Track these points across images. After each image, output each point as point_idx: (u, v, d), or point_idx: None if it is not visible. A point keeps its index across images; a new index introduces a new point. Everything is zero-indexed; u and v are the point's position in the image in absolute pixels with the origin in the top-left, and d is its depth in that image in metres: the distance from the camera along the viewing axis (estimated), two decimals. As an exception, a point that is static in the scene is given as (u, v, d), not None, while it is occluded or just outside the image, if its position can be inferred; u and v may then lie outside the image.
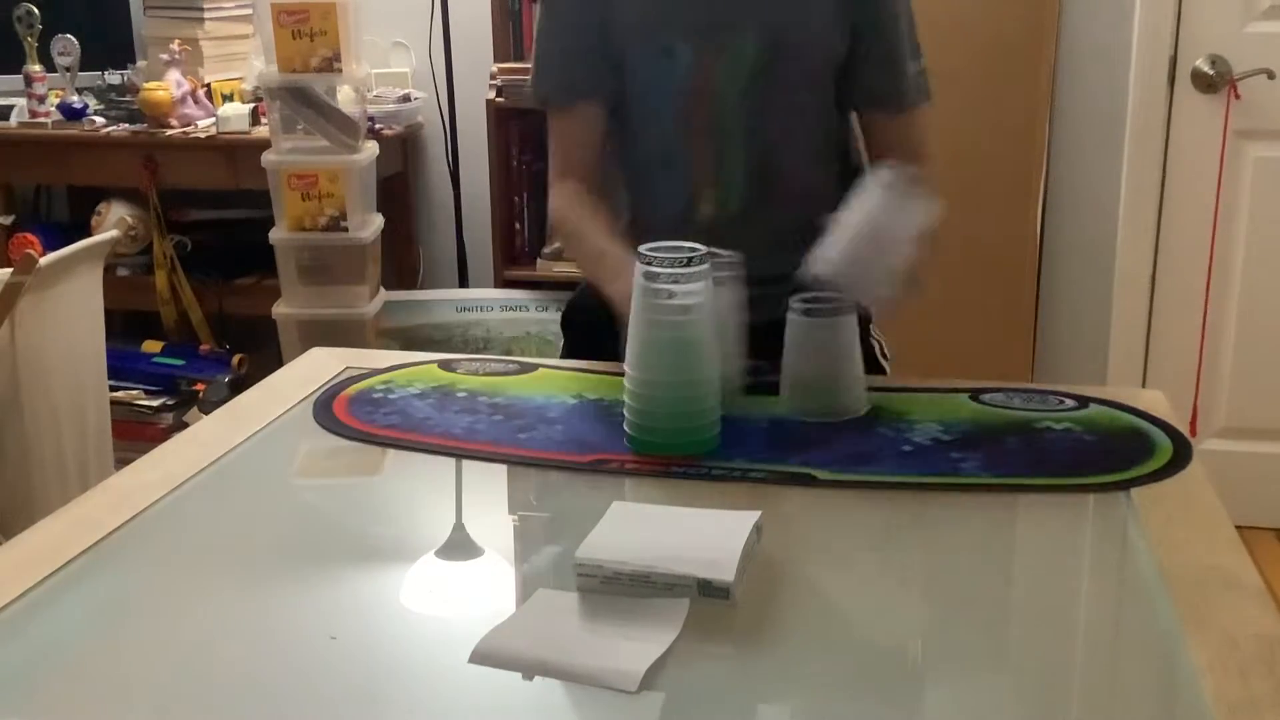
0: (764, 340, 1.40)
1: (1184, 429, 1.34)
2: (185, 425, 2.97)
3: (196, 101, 3.21)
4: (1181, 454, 1.28)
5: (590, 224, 1.57)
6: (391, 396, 1.46)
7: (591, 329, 1.59)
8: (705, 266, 1.25)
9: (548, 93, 1.63)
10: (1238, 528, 1.13)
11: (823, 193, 1.59)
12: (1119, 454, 1.28)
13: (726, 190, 1.59)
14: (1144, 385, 3.06)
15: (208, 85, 3.27)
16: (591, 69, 1.58)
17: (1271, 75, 2.86)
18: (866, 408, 1.39)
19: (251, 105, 3.20)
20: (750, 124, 1.57)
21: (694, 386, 1.27)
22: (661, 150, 1.60)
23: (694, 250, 1.24)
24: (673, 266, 1.23)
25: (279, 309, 3.08)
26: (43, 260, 2.09)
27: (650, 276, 1.24)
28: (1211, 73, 2.90)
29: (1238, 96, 2.89)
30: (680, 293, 1.23)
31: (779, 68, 1.54)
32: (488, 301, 3.15)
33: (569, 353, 1.76)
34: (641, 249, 1.26)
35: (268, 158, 2.96)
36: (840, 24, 1.55)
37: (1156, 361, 3.10)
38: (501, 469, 1.29)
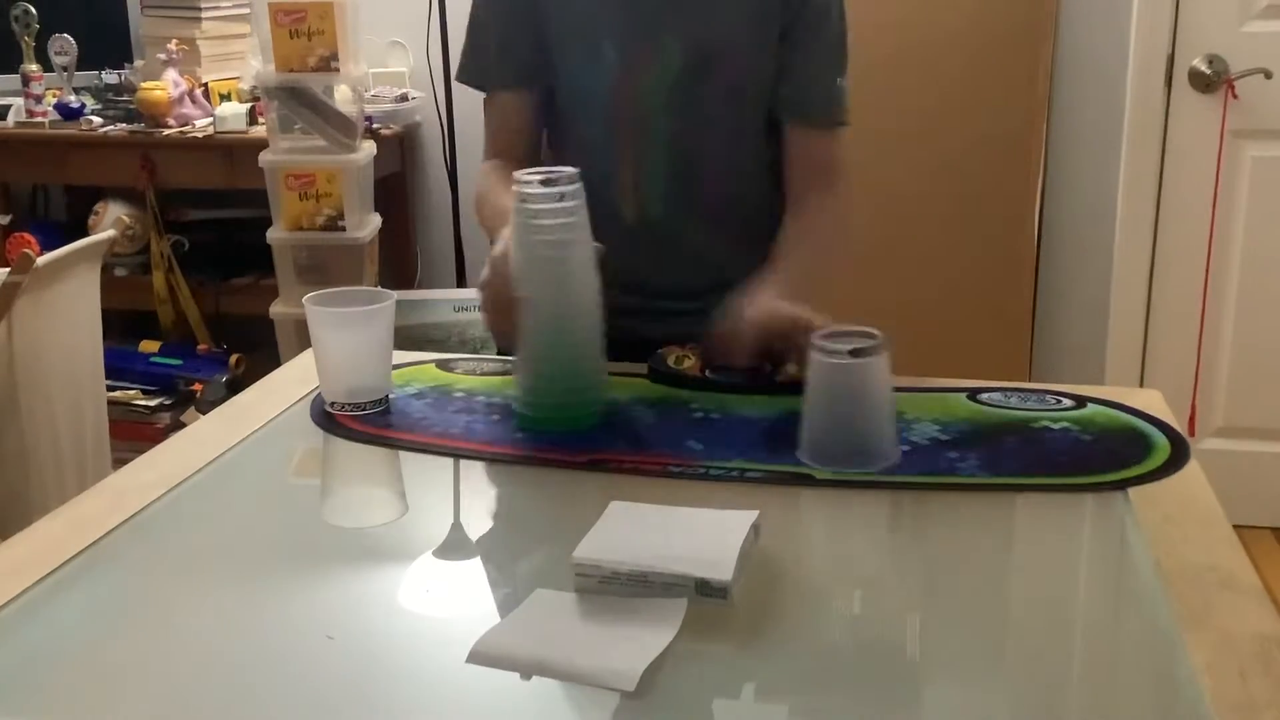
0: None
1: (1182, 428, 1.35)
2: (183, 425, 2.97)
3: (194, 101, 3.21)
4: (1179, 453, 1.28)
5: (498, 186, 1.54)
6: (389, 396, 1.46)
7: None
8: (577, 186, 1.29)
9: (478, 76, 1.64)
10: (1235, 527, 1.13)
11: (749, 213, 1.63)
12: (1117, 454, 1.28)
13: (648, 196, 1.59)
14: (1142, 385, 3.06)
15: (205, 85, 3.27)
16: (523, 59, 1.59)
17: (1268, 75, 2.87)
18: (898, 458, 1.26)
19: (249, 105, 3.20)
20: (673, 133, 1.57)
21: (574, 319, 1.31)
22: (588, 150, 1.59)
23: (564, 173, 1.29)
24: (544, 188, 1.27)
25: (276, 309, 3.07)
26: (40, 260, 2.09)
27: (524, 199, 1.28)
28: (1208, 72, 2.90)
29: (1235, 96, 2.89)
30: (553, 212, 1.28)
31: (704, 79, 1.55)
32: (485, 301, 3.14)
33: None
34: (516, 173, 1.30)
35: (265, 157, 2.96)
36: (768, 42, 1.55)
37: (1154, 361, 3.10)
38: (499, 469, 1.29)
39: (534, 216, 1.28)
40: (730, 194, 1.62)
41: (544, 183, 1.28)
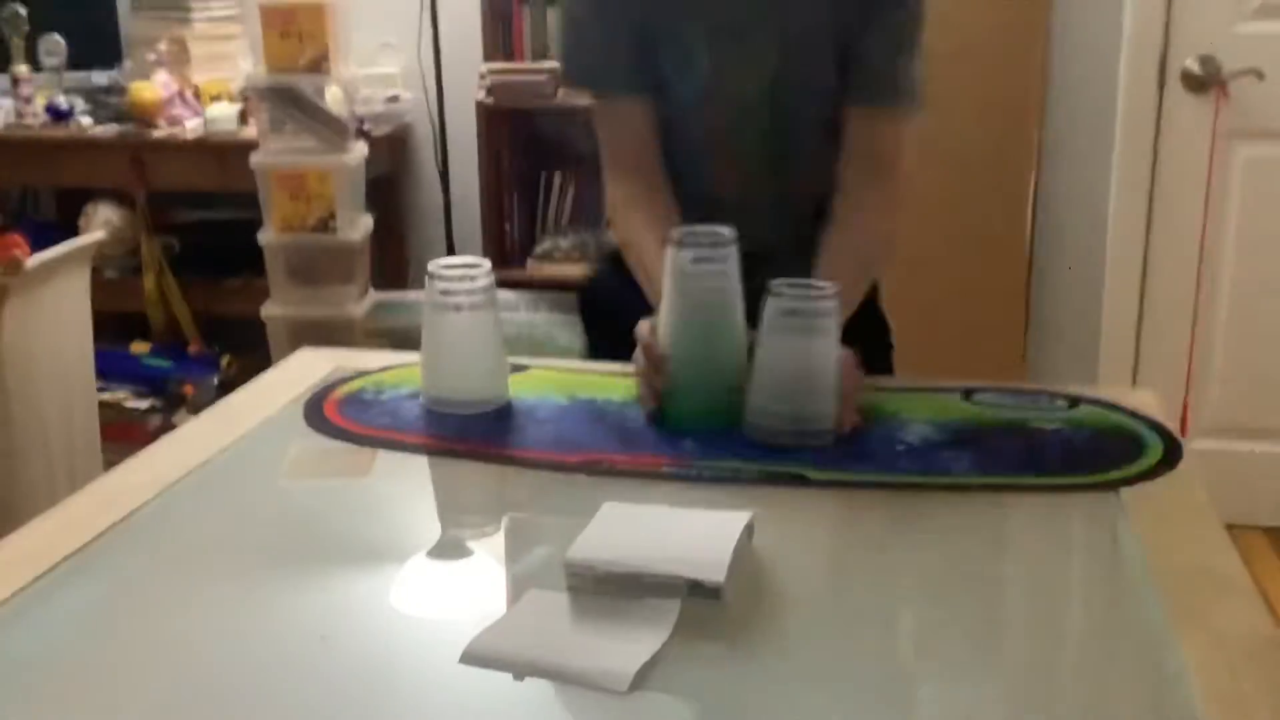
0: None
1: (1174, 428, 1.35)
2: (174, 426, 2.95)
3: (184, 102, 3.21)
4: (1172, 453, 1.28)
5: (641, 235, 1.52)
6: (382, 397, 1.45)
7: (614, 311, 1.56)
8: (733, 248, 1.31)
9: (590, 78, 1.60)
10: (1227, 527, 1.13)
11: (832, 167, 1.57)
12: (1109, 453, 1.28)
13: (745, 179, 1.57)
14: (1134, 385, 3.07)
15: (195, 86, 3.26)
16: (636, 61, 1.54)
17: (1261, 75, 2.87)
18: (831, 439, 1.30)
19: (239, 106, 3.19)
20: (769, 132, 1.55)
21: (722, 363, 1.33)
22: (684, 153, 1.58)
23: (722, 233, 1.31)
24: (702, 247, 1.30)
25: (268, 310, 3.07)
26: (30, 262, 2.09)
27: (681, 259, 1.30)
28: (1201, 73, 2.90)
29: (1227, 96, 2.90)
30: (709, 273, 1.31)
31: (795, 76, 1.52)
32: (477, 302, 3.14)
33: (591, 338, 1.77)
34: (673, 231, 1.32)
35: (256, 158, 2.96)
36: (851, 29, 1.51)
37: (1147, 361, 3.11)
38: (492, 470, 1.29)
39: (689, 281, 1.31)
40: (819, 160, 1.56)
41: (696, 260, 1.30)
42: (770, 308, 1.29)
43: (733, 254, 1.31)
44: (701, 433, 1.32)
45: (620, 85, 1.57)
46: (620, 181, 1.60)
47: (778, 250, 1.43)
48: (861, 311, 1.51)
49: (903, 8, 1.53)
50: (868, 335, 1.59)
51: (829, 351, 1.29)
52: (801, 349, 1.28)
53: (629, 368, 1.49)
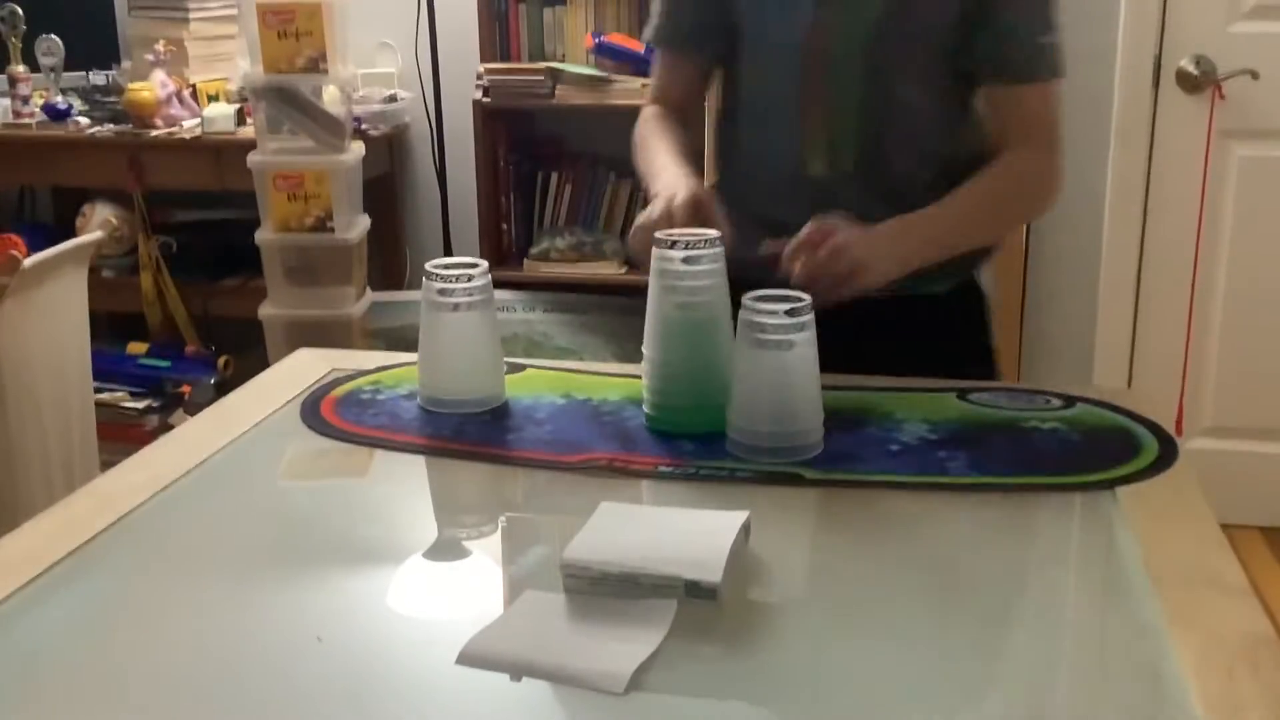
0: (881, 315, 1.44)
1: (1169, 428, 1.35)
2: (171, 427, 2.96)
3: (181, 102, 3.21)
4: (1167, 453, 1.28)
5: (657, 136, 1.58)
6: (380, 397, 1.46)
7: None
8: (719, 249, 1.29)
9: (654, 35, 1.65)
10: (1223, 526, 1.13)
11: (938, 154, 1.53)
12: (1105, 453, 1.28)
13: (838, 149, 1.53)
14: (1130, 384, 3.07)
15: (193, 86, 3.26)
16: (695, 22, 1.60)
17: (1255, 75, 2.88)
18: (813, 452, 1.27)
19: (237, 106, 3.19)
20: (867, 83, 1.50)
21: (708, 367, 1.30)
22: (775, 107, 1.56)
23: (709, 234, 1.29)
24: (688, 248, 1.28)
25: (265, 310, 3.07)
26: (27, 261, 2.09)
27: (666, 258, 1.28)
28: (1196, 73, 2.91)
29: (1222, 97, 2.90)
30: (694, 273, 1.28)
31: (899, 25, 1.47)
32: (474, 302, 3.14)
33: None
34: (657, 234, 1.30)
35: (253, 158, 2.96)
36: None
37: (1142, 361, 3.11)
38: (489, 470, 1.29)
39: (676, 280, 1.29)
40: (919, 139, 1.53)
41: (686, 261, 1.28)
42: (741, 323, 1.25)
43: (721, 255, 1.29)
44: (696, 434, 1.32)
45: (679, 45, 1.64)
46: (653, 107, 1.65)
47: None
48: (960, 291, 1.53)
49: None
50: (965, 320, 1.61)
51: (806, 367, 1.25)
52: (775, 366, 1.24)
53: (627, 368, 1.49)
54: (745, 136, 1.61)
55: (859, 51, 1.49)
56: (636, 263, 1.44)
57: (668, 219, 1.34)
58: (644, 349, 1.34)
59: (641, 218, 1.38)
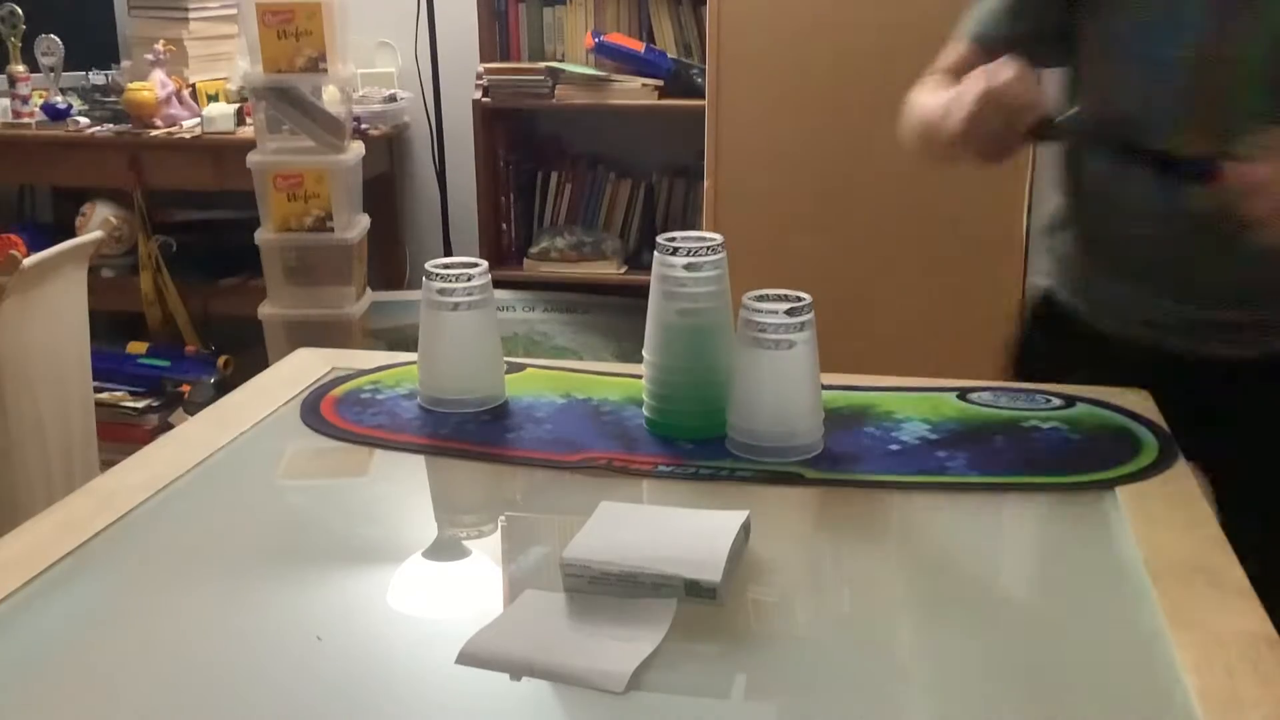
0: (1247, 380, 1.37)
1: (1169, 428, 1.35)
2: (170, 427, 2.96)
3: (181, 102, 3.21)
4: (1167, 453, 1.28)
5: (944, 87, 1.38)
6: (379, 397, 1.46)
7: (1048, 369, 1.46)
8: (720, 255, 1.28)
9: (975, 31, 1.48)
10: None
11: None
12: (1105, 453, 1.28)
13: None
14: (1129, 384, 3.06)
15: (192, 85, 3.27)
16: (1034, 33, 1.43)
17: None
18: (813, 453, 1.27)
19: (236, 105, 3.20)
20: (1273, 101, 1.30)
21: (709, 373, 1.30)
22: (1151, 131, 1.34)
23: (713, 238, 1.29)
24: (690, 255, 1.27)
25: (265, 310, 3.07)
26: (26, 261, 2.09)
27: (668, 264, 1.28)
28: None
29: (1222, 96, 2.89)
30: (696, 280, 1.28)
31: None
32: (474, 302, 3.15)
33: None
34: (660, 239, 1.29)
35: (253, 158, 2.96)
36: None
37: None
38: (489, 469, 1.29)
39: (677, 286, 1.28)
40: None
41: (688, 268, 1.27)
42: (741, 323, 1.24)
43: (724, 261, 1.29)
44: (695, 436, 1.32)
45: (990, 49, 1.39)
46: (936, 76, 1.47)
47: (1258, 294, 1.29)
48: None
49: None
50: None
51: (805, 367, 1.25)
52: (774, 366, 1.24)
53: (627, 367, 1.49)
54: (1103, 169, 1.43)
55: (1262, 64, 1.30)
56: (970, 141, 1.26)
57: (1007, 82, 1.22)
58: (644, 353, 1.34)
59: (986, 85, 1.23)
